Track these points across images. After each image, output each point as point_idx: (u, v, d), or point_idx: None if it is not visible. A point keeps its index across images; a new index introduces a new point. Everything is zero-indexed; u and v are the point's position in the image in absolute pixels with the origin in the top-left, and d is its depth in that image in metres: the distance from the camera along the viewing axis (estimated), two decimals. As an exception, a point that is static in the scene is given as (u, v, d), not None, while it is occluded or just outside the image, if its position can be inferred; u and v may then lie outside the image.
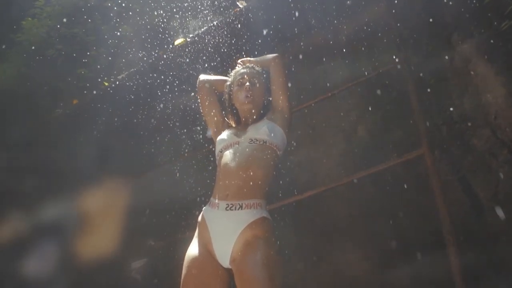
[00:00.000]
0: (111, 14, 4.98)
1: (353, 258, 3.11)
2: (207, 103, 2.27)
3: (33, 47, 4.97)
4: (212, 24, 3.12)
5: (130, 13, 4.80)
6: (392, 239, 2.86)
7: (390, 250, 2.89)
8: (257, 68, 2.25)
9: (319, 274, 3.19)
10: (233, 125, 2.24)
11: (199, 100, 2.30)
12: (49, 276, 3.41)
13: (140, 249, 3.51)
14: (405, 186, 2.74)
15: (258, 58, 2.38)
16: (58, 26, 5.06)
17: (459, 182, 2.77)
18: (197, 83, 2.34)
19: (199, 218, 2.02)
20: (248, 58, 2.40)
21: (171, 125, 3.61)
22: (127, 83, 3.52)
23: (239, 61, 2.42)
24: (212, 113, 2.26)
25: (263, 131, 2.03)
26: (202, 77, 2.36)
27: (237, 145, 2.03)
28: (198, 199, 2.75)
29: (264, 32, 3.04)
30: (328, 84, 3.36)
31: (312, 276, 3.21)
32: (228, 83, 2.28)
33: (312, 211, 3.29)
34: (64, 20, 5.09)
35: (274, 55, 2.28)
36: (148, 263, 3.41)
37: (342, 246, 3.17)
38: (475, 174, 2.74)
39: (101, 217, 3.50)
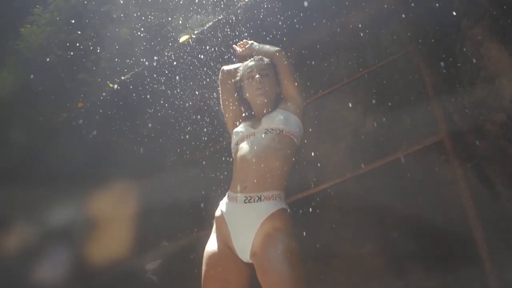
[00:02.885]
0: (110, 18, 4.96)
1: (366, 253, 3.06)
2: (226, 95, 2.26)
3: (33, 54, 4.95)
4: (217, 19, 3.08)
5: (129, 15, 4.78)
6: (406, 230, 2.81)
7: (404, 242, 2.84)
8: (265, 60, 2.24)
9: (331, 270, 3.14)
10: (248, 118, 2.21)
11: (220, 92, 2.26)
12: (62, 282, 3.37)
13: (153, 250, 3.47)
14: (418, 176, 2.69)
15: (261, 45, 2.36)
16: (57, 32, 5.04)
17: (474, 169, 2.72)
18: (219, 75, 2.32)
19: (216, 213, 1.98)
20: (252, 41, 2.38)
21: (179, 123, 3.57)
22: (132, 84, 3.49)
23: (244, 41, 2.41)
24: (230, 105, 2.23)
25: (278, 120, 2.00)
26: (225, 68, 2.33)
27: (252, 137, 2.00)
28: (211, 196, 2.70)
29: (269, 25, 3.01)
30: (334, 77, 3.33)
31: (324, 273, 3.17)
32: (237, 78, 2.26)
33: (321, 206, 3.24)
34: (63, 26, 5.08)
35: (276, 48, 2.27)
36: (163, 263, 3.37)
37: (354, 241, 3.12)
38: (490, 160, 2.69)
39: (112, 220, 3.46)
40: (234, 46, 2.47)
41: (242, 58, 2.39)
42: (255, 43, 2.38)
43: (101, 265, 3.34)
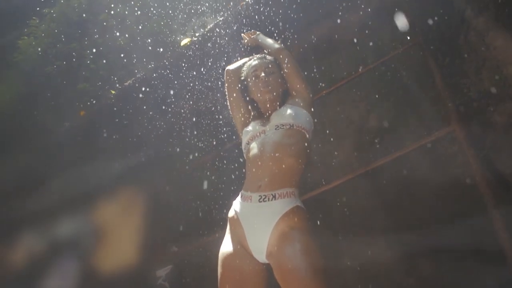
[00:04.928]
0: (108, 27, 4.95)
1: (376, 250, 3.02)
2: (233, 96, 2.22)
3: (31, 66, 4.93)
4: (218, 20, 3.06)
5: (127, 23, 4.77)
6: (418, 225, 2.78)
7: (416, 238, 2.80)
8: (268, 57, 2.23)
9: (343, 269, 3.10)
10: (256, 117, 2.17)
11: (226, 93, 2.24)
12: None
13: (164, 256, 3.42)
14: (430, 169, 2.65)
15: (266, 38, 2.38)
16: (55, 43, 5.03)
17: (483, 161, 2.69)
18: (224, 75, 2.29)
19: (230, 213, 1.93)
20: (258, 32, 2.43)
21: (185, 127, 3.53)
22: (135, 89, 3.45)
23: (252, 31, 2.46)
24: (237, 106, 2.20)
25: (287, 115, 1.97)
26: (229, 68, 2.31)
27: (263, 134, 1.97)
28: (219, 199, 2.67)
29: (270, 25, 2.99)
30: (335, 76, 3.30)
31: (336, 272, 3.12)
32: (242, 78, 2.23)
33: (329, 206, 3.20)
34: (61, 36, 5.06)
35: (279, 46, 2.26)
36: (174, 269, 3.32)
37: (363, 239, 3.08)
38: (499, 151, 2.66)
39: (120, 228, 3.42)
40: (242, 34, 2.49)
41: (248, 48, 2.40)
42: (261, 35, 2.40)
43: (111, 273, 3.30)
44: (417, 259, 2.80)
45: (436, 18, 2.75)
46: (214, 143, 3.43)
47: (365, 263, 3.00)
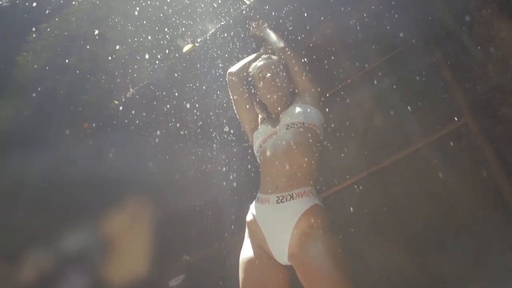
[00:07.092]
0: (106, 39, 4.95)
1: (386, 250, 2.99)
2: (239, 98, 2.19)
3: (31, 81, 4.92)
4: (220, 25, 3.05)
5: (126, 34, 4.76)
6: (431, 222, 2.75)
7: (424, 235, 2.77)
8: (273, 57, 2.21)
9: (353, 272, 3.05)
10: (266, 119, 2.15)
11: (231, 97, 2.21)
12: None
13: (176, 265, 3.38)
14: (443, 164, 2.63)
15: (271, 33, 2.37)
16: (54, 57, 5.02)
17: (497, 153, 2.66)
18: (227, 78, 2.26)
19: (248, 217, 1.90)
20: (265, 25, 2.43)
21: (192, 134, 3.51)
22: (138, 99, 3.43)
23: (261, 21, 2.47)
24: (245, 109, 2.17)
25: (297, 113, 1.95)
26: (231, 70, 2.27)
27: (275, 135, 1.94)
28: (230, 207, 2.63)
29: (271, 26, 2.98)
30: (337, 77, 3.29)
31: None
32: (248, 79, 2.22)
33: (336, 208, 3.17)
34: (60, 51, 5.06)
35: (284, 45, 2.25)
36: (187, 278, 3.28)
37: (372, 240, 3.05)
38: (509, 144, 2.64)
39: (130, 238, 3.38)
40: (251, 23, 2.52)
41: (254, 37, 2.46)
42: (267, 29, 2.40)
43: (124, 283, 3.25)
44: (429, 256, 2.77)
45: (440, 12, 2.74)
46: (222, 148, 3.40)
47: (376, 264, 2.97)
